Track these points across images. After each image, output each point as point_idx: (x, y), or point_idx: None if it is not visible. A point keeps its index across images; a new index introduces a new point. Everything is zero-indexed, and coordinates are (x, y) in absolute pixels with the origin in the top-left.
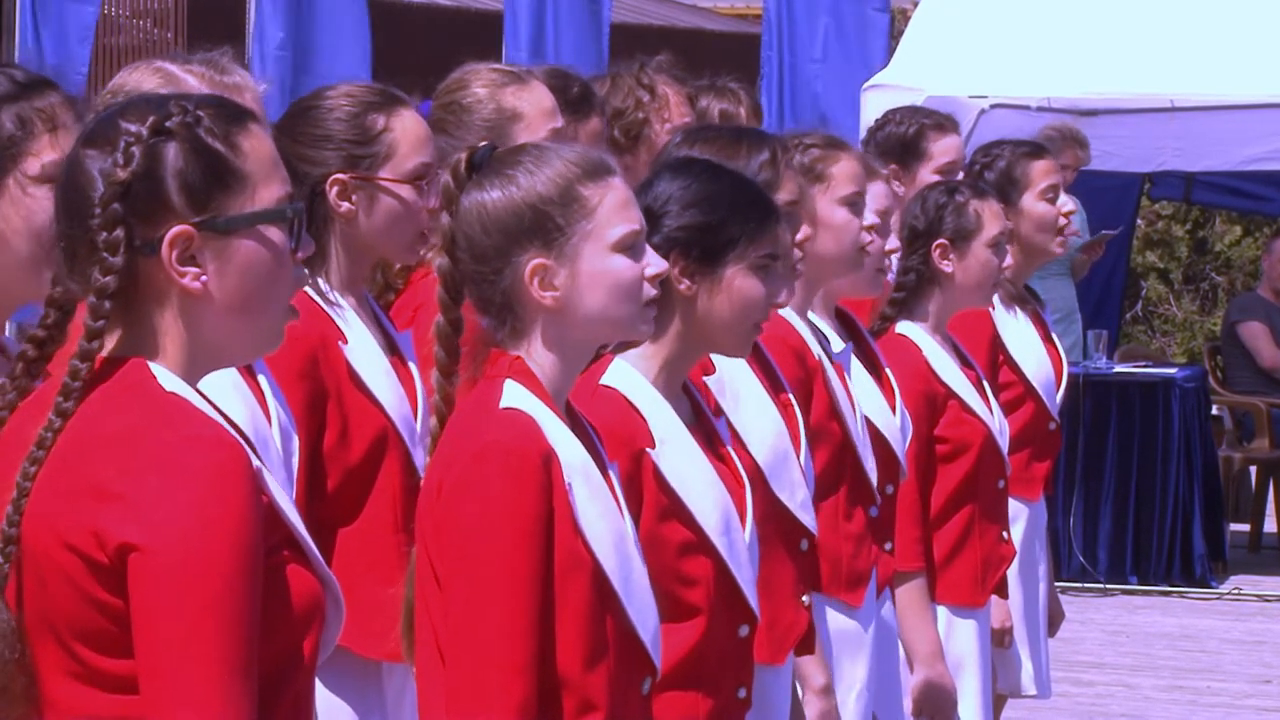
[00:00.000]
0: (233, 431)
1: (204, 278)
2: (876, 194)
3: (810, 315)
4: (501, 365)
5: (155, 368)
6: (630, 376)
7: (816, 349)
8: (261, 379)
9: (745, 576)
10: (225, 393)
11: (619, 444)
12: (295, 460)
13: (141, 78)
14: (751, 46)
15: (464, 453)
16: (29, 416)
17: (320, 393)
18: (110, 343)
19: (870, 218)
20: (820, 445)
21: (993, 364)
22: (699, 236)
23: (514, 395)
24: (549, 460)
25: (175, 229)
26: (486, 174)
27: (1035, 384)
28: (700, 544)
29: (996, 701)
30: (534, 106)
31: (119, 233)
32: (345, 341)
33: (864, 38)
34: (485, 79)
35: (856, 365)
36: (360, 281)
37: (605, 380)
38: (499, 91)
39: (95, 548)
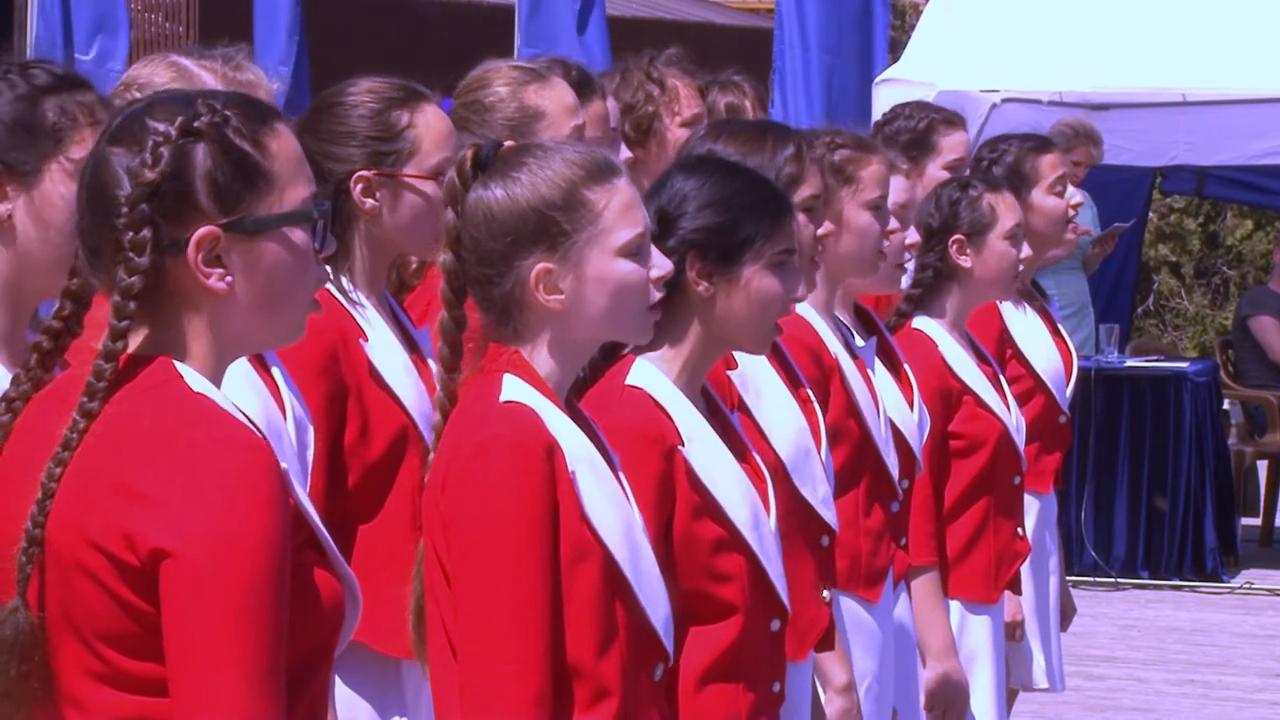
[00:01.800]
0: (258, 433)
1: (229, 278)
2: (895, 187)
3: (835, 312)
4: (500, 360)
5: (182, 368)
6: (655, 377)
7: (834, 346)
8: (275, 370)
9: (776, 571)
10: (237, 385)
11: (650, 443)
12: (310, 452)
13: (155, 71)
14: (762, 41)
15: (466, 447)
16: (48, 409)
17: (340, 389)
18: (134, 341)
19: (890, 221)
20: (839, 443)
21: (1001, 357)
22: (715, 238)
23: (514, 389)
24: (552, 451)
25: (202, 230)
26: (492, 174)
27: (1045, 377)
28: (733, 540)
29: (1008, 696)
30: (556, 104)
31: (146, 233)
32: (366, 339)
33: (876, 32)
34: (506, 77)
35: (875, 361)
36: (381, 279)
37: (631, 380)
38: (521, 90)
39: (125, 549)
